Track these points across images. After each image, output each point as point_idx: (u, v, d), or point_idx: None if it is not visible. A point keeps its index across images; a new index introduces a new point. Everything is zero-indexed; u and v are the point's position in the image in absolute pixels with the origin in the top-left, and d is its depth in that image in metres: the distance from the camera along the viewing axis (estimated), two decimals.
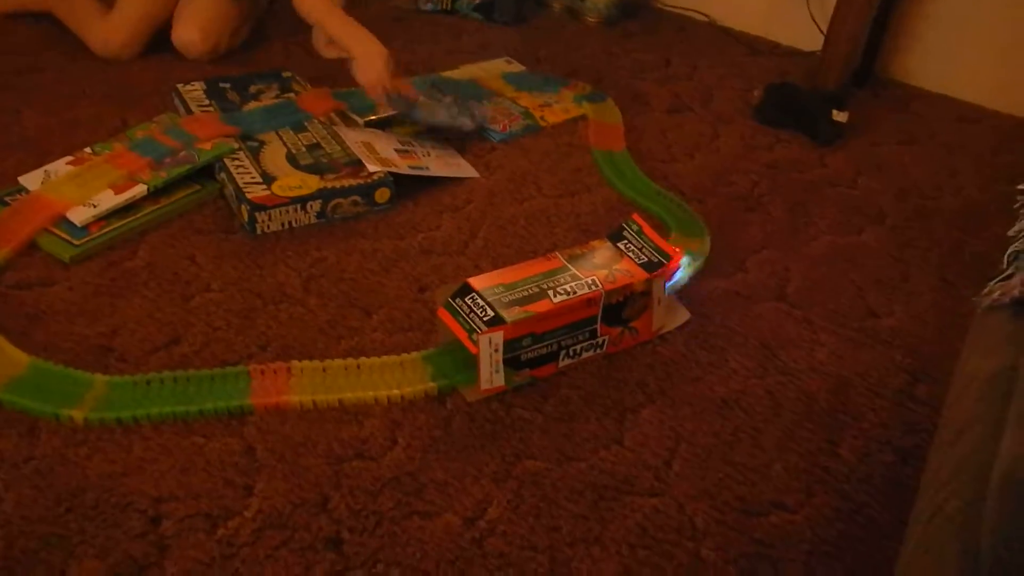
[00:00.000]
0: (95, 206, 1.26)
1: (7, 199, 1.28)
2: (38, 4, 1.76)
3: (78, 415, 0.98)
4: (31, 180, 1.31)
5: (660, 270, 1.19)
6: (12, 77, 1.65)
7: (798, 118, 1.83)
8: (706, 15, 2.34)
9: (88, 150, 1.38)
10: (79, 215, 1.25)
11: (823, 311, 1.31)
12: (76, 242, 1.22)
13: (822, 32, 1.98)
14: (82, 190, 1.29)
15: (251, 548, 0.87)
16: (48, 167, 1.34)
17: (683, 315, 1.27)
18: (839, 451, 1.07)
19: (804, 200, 1.60)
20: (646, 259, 1.20)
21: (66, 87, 1.63)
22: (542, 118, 1.73)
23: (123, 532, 0.87)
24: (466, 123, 1.57)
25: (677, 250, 1.23)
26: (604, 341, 1.16)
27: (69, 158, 1.36)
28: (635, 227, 1.25)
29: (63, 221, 1.25)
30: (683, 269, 1.28)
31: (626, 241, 1.23)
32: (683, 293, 1.30)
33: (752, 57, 2.17)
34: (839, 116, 1.80)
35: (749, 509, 0.99)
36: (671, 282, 1.24)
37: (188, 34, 1.73)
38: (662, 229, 1.42)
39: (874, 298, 1.35)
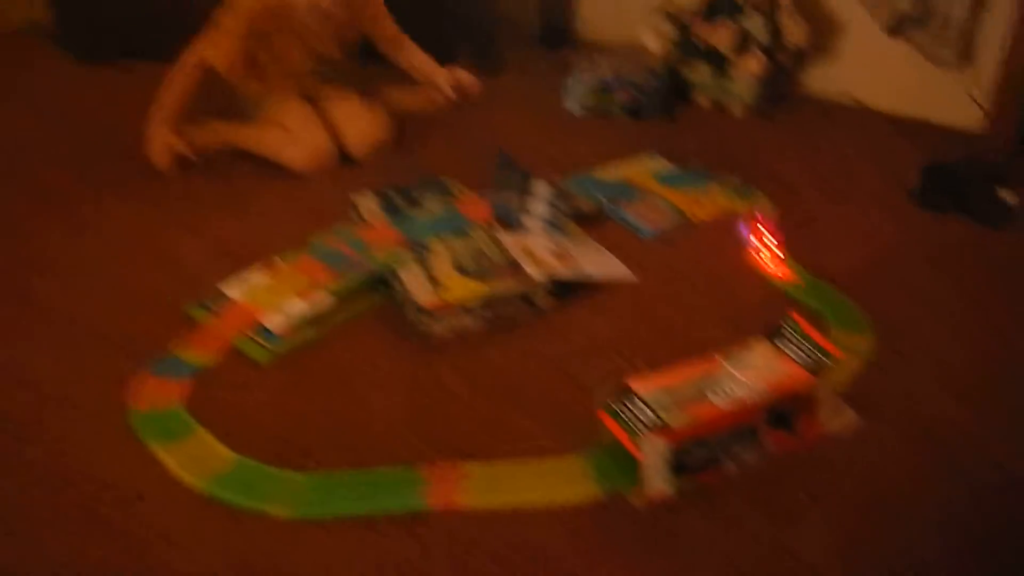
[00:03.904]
0: (286, 312, 1.40)
1: (211, 306, 1.44)
2: (226, 141, 1.99)
3: (276, 511, 1.08)
4: (232, 288, 1.47)
5: (824, 371, 1.18)
6: (209, 188, 1.86)
7: (960, 199, 1.77)
8: (854, 98, 2.32)
9: (278, 259, 1.54)
10: (273, 321, 1.39)
11: (1004, 407, 1.25)
12: (270, 346, 1.36)
13: (981, 107, 1.92)
14: (274, 297, 1.44)
15: None
16: (246, 275, 1.50)
17: (849, 416, 1.24)
18: None
19: (975, 286, 1.54)
20: (808, 360, 1.20)
21: (256, 200, 1.82)
22: (692, 214, 1.76)
23: None
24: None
25: (837, 349, 1.22)
26: (768, 445, 1.16)
27: (263, 267, 1.52)
28: (794, 325, 1.25)
29: (259, 326, 1.39)
30: None
31: (785, 340, 1.24)
32: (847, 394, 1.27)
33: (905, 138, 2.12)
34: (1006, 195, 1.73)
35: None
36: None
37: (357, 133, 1.95)
38: (820, 323, 1.40)
39: None
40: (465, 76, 2.06)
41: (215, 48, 1.82)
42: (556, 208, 1.61)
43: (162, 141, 1.85)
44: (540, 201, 1.62)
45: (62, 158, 1.99)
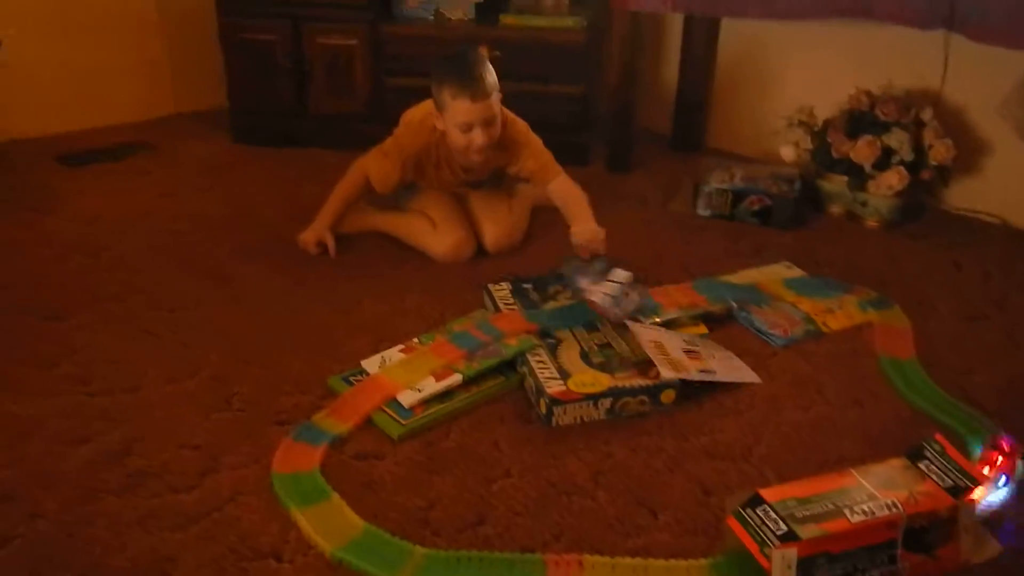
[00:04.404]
0: (420, 390, 1.46)
1: (352, 379, 1.53)
2: (374, 226, 2.15)
3: None
4: (371, 364, 1.55)
5: (967, 495, 1.13)
6: (354, 270, 1.99)
7: None
8: (999, 217, 2.25)
9: (416, 340, 1.62)
10: (407, 398, 1.45)
11: None
12: (403, 421, 1.42)
13: None
14: (410, 375, 1.50)
15: None
16: (384, 353, 1.58)
17: (993, 547, 1.17)
18: None
19: None
20: (951, 483, 1.15)
21: (397, 282, 1.93)
22: (824, 323, 1.74)
23: None
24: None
25: (985, 475, 1.17)
26: (904, 568, 1.10)
27: (401, 346, 1.60)
28: (937, 447, 1.20)
29: (393, 402, 1.46)
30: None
31: (927, 461, 1.19)
32: (991, 523, 1.20)
33: None
34: None
35: None
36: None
37: (494, 232, 2.05)
38: (962, 447, 1.34)
39: None
40: (594, 242, 1.85)
41: (377, 168, 2.01)
42: (627, 294, 1.68)
43: (317, 235, 2.03)
44: (617, 282, 1.70)
45: (218, 231, 2.17)
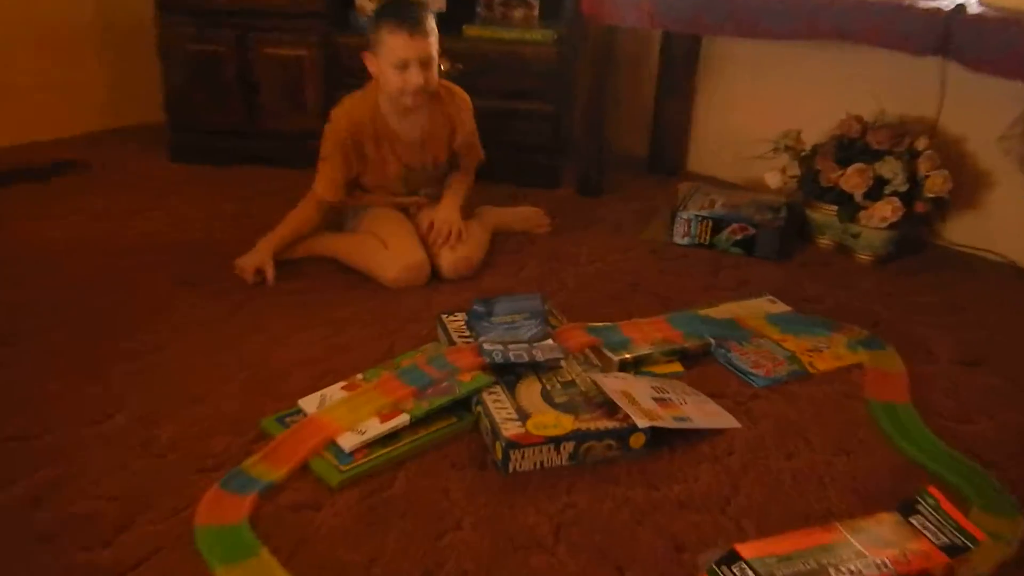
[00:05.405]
0: (362, 432, 1.42)
1: (287, 420, 1.48)
2: (321, 251, 2.13)
3: None
4: (309, 403, 1.51)
5: (964, 555, 1.11)
6: (296, 297, 1.95)
7: None
8: (1001, 255, 2.27)
9: (360, 376, 1.58)
10: (348, 441, 1.41)
11: None
12: (343, 468, 1.37)
13: None
14: (352, 415, 1.46)
15: None
16: (325, 391, 1.54)
17: None
18: None
19: None
20: (946, 540, 1.13)
21: (342, 312, 1.89)
22: (810, 364, 1.73)
23: None
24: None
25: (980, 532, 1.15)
26: None
27: (343, 383, 1.56)
28: (931, 501, 1.19)
29: (333, 445, 1.41)
30: None
31: (920, 516, 1.17)
32: None
33: None
34: None
35: None
36: None
37: (450, 256, 2.04)
38: (960, 501, 1.32)
39: None
40: (443, 228, 2.05)
41: (320, 178, 2.06)
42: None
43: (257, 261, 2.01)
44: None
45: (156, 256, 2.13)
